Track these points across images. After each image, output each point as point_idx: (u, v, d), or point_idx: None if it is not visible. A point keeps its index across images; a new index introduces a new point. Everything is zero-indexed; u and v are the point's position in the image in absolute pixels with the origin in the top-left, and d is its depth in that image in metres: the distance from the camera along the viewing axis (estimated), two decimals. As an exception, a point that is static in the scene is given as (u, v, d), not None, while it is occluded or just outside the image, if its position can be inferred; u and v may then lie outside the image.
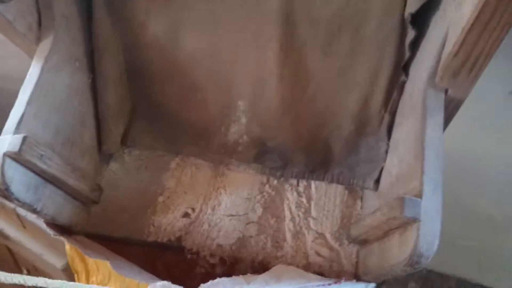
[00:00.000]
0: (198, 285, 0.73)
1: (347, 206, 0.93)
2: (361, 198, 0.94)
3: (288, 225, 0.92)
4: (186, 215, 0.94)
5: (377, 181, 0.88)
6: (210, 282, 0.75)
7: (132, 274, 0.77)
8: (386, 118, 0.88)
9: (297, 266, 0.88)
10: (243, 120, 0.93)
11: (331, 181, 0.94)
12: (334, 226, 0.91)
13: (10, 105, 0.78)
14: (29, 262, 1.36)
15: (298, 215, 0.92)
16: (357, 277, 0.87)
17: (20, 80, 0.79)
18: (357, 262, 0.88)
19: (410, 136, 0.80)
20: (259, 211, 0.94)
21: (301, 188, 0.95)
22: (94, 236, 0.92)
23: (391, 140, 0.88)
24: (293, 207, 0.94)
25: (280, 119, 0.91)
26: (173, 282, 0.90)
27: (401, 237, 0.74)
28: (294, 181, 0.96)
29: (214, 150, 0.96)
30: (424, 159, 0.75)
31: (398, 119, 0.87)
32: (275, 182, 0.96)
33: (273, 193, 0.95)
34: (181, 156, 1.01)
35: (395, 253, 0.75)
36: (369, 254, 0.84)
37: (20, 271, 1.46)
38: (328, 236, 0.90)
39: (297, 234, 0.91)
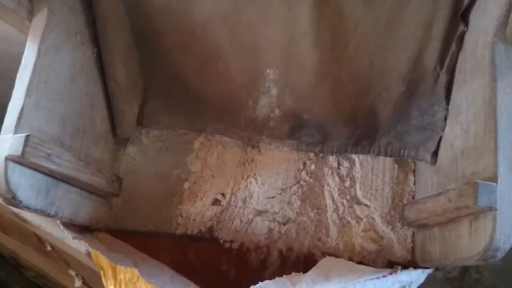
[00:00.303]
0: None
1: (398, 183, 0.82)
2: (414, 172, 0.83)
3: (331, 217, 0.82)
4: (216, 202, 0.85)
5: (435, 153, 0.76)
6: (252, 287, 0.67)
7: (163, 282, 0.69)
8: (443, 77, 0.75)
9: (345, 258, 0.79)
10: (274, 91, 0.80)
11: (378, 154, 0.82)
12: (385, 207, 0.80)
13: (12, 71, 0.68)
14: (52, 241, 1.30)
15: (342, 203, 0.82)
16: (414, 264, 0.77)
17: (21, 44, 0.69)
18: (412, 247, 0.79)
19: (476, 101, 0.68)
20: (297, 204, 0.83)
21: (343, 171, 0.84)
22: (118, 231, 0.84)
23: (451, 104, 0.75)
24: (335, 195, 0.83)
25: (317, 87, 0.78)
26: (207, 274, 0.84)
27: (471, 227, 0.64)
28: (335, 163, 0.85)
29: (242, 127, 0.85)
30: (497, 131, 0.63)
31: (458, 79, 0.74)
32: (313, 166, 0.85)
33: (311, 180, 0.84)
34: (204, 134, 0.90)
35: (465, 245, 0.65)
36: (429, 240, 0.74)
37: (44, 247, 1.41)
38: (378, 219, 0.80)
39: (343, 227, 0.81)
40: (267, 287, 0.68)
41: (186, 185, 0.86)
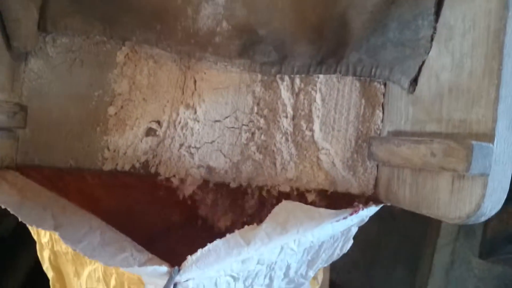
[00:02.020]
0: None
1: (364, 121, 0.70)
2: (382, 107, 0.71)
3: (283, 161, 0.71)
4: (150, 132, 0.70)
5: (414, 80, 0.64)
6: (200, 252, 0.57)
7: (91, 248, 0.57)
8: (433, -18, 0.59)
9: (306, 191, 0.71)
10: (221, -2, 0.61)
11: (346, 73, 0.68)
12: (347, 151, 0.70)
13: None
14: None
15: (298, 145, 0.71)
16: (377, 201, 0.70)
17: None
18: (375, 183, 0.71)
19: (477, 28, 0.54)
20: (246, 139, 0.70)
21: (301, 107, 0.71)
22: (30, 168, 0.69)
23: (440, 23, 0.60)
24: (289, 136, 0.71)
25: (277, -7, 0.60)
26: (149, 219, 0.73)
27: (454, 184, 0.55)
28: (292, 98, 0.70)
29: (179, 40, 0.66)
30: (501, 76, 0.51)
31: (453, -9, 0.59)
32: (267, 96, 0.71)
33: (264, 112, 0.70)
34: (130, 44, 0.70)
35: (443, 202, 0.57)
36: (397, 180, 0.66)
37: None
38: (339, 164, 0.70)
39: (298, 170, 0.71)
40: (217, 249, 0.59)
41: (111, 110, 0.69)
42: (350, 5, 0.62)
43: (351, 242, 0.73)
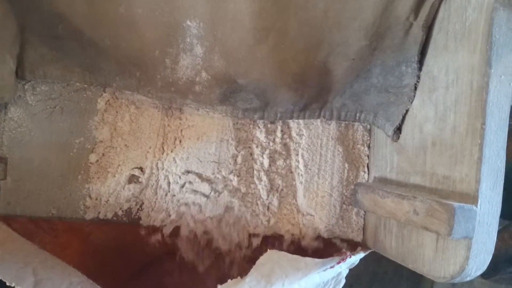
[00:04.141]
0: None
1: (348, 184, 0.70)
2: (367, 167, 0.71)
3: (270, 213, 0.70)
4: (133, 179, 0.69)
5: (398, 129, 0.63)
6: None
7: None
8: (417, 30, 0.58)
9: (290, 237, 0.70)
10: (198, 49, 0.59)
11: (330, 118, 0.67)
12: (332, 217, 0.69)
13: None
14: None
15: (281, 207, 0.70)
16: (365, 247, 0.69)
17: None
18: (363, 228, 0.70)
19: (460, 82, 0.53)
20: (233, 183, 0.69)
21: (281, 169, 0.70)
22: (12, 217, 0.68)
23: (424, 72, 0.59)
24: (274, 200, 0.70)
25: (255, 45, 0.58)
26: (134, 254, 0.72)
27: (438, 243, 0.54)
28: (265, 161, 0.70)
29: (158, 88, 0.65)
30: (484, 135, 0.50)
31: (437, 41, 0.57)
32: (243, 152, 0.70)
33: (246, 156, 0.69)
34: (110, 90, 0.68)
35: (428, 259, 0.56)
36: (383, 229, 0.65)
37: None
38: (322, 230, 0.70)
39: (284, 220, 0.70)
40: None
41: (93, 157, 0.68)
42: (331, 53, 0.61)
43: (343, 282, 0.72)
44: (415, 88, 0.60)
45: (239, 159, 0.68)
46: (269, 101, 0.65)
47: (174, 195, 0.68)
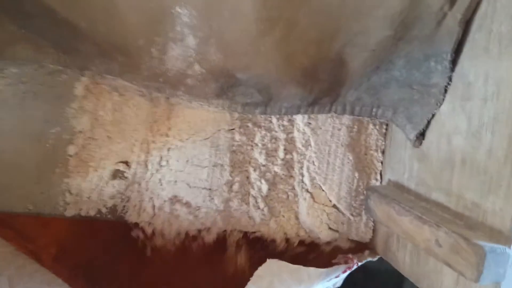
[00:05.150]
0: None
1: (358, 195, 0.63)
2: (380, 174, 0.62)
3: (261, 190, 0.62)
4: (117, 174, 0.61)
5: (422, 134, 0.54)
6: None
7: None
8: (452, 22, 0.48)
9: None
10: (190, 40, 0.49)
11: (342, 112, 0.58)
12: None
13: None
14: None
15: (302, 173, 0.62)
16: (373, 252, 0.63)
17: None
18: (373, 231, 0.63)
19: (501, 96, 0.44)
20: (228, 169, 0.61)
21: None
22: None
23: (458, 73, 0.49)
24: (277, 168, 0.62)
25: (259, 38, 0.48)
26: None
27: (460, 278, 0.48)
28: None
29: (144, 77, 0.55)
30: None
31: (476, 42, 0.47)
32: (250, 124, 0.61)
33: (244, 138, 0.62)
34: (90, 74, 0.59)
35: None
36: (397, 242, 0.58)
37: None
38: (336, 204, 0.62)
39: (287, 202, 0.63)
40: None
41: (71, 149, 0.60)
42: (348, 43, 0.51)
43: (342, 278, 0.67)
44: (445, 91, 0.51)
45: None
46: (272, 96, 0.56)
47: (164, 191, 0.61)
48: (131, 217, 0.62)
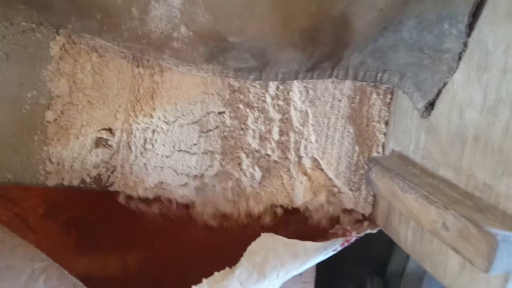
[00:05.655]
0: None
1: (357, 169, 0.58)
2: (383, 146, 0.58)
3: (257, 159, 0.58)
4: (101, 142, 0.57)
5: (431, 104, 0.49)
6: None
7: None
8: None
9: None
10: (175, 0, 0.44)
11: (344, 77, 0.53)
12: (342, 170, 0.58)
13: None
14: None
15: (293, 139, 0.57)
16: (373, 223, 0.60)
17: None
18: (373, 205, 0.60)
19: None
20: (217, 142, 0.57)
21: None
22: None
23: (474, 40, 0.44)
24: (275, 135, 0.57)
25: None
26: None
27: (466, 264, 0.45)
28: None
29: (125, 38, 0.50)
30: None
31: (498, 3, 0.42)
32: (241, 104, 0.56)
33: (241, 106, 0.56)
34: (65, 32, 0.53)
35: (451, 273, 0.47)
36: (399, 217, 0.55)
37: None
38: (335, 180, 0.58)
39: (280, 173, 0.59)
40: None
41: (50, 115, 0.55)
42: (353, 2, 0.45)
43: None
44: (459, 58, 0.45)
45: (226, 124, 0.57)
46: (268, 61, 0.50)
47: (151, 161, 0.57)
48: (117, 187, 0.58)
